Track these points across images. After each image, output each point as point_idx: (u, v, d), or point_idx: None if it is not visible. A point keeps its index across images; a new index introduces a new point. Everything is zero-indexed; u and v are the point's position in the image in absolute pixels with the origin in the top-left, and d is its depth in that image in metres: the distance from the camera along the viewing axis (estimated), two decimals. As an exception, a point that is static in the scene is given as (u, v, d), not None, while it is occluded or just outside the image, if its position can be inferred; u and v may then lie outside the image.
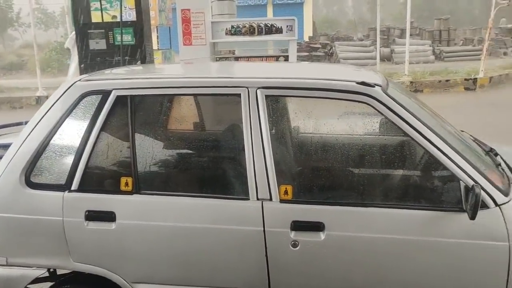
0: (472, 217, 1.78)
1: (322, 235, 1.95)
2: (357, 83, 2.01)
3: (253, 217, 1.99)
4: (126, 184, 2.08)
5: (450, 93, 10.34)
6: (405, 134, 1.97)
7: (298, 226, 1.96)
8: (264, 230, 1.98)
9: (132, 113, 2.13)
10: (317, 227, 1.95)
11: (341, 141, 2.27)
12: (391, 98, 1.99)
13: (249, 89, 2.06)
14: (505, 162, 2.28)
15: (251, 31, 6.14)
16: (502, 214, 1.87)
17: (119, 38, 5.68)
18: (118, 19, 5.48)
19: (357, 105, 2.03)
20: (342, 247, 1.96)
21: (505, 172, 2.16)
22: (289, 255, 1.98)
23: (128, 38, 5.87)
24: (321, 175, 2.18)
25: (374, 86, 2.00)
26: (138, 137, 2.16)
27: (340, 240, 1.96)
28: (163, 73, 2.88)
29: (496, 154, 2.37)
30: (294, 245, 1.97)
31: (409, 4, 10.81)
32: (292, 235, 1.97)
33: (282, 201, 1.99)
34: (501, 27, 21.60)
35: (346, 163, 2.24)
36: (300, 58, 17.39)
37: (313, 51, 17.75)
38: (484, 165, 2.07)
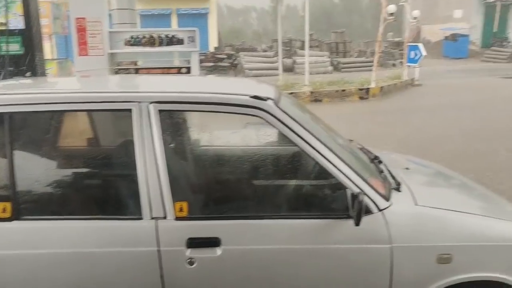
0: (357, 223, 1.89)
1: (218, 251, 1.95)
2: (250, 97, 2.05)
3: (147, 237, 1.93)
4: (4, 210, 1.90)
5: (346, 102, 11.03)
6: (296, 146, 2.05)
7: (194, 243, 1.94)
8: (159, 250, 1.93)
9: (10, 132, 1.96)
10: (213, 242, 1.94)
11: (237, 153, 2.30)
12: (282, 111, 2.05)
13: (140, 104, 2.00)
14: (387, 168, 2.46)
15: (151, 42, 6.01)
16: (384, 218, 2.02)
17: (4, 47, 5.24)
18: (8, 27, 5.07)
19: (252, 118, 2.07)
20: (239, 261, 1.97)
21: (387, 178, 2.33)
22: (186, 273, 1.95)
23: (15, 48, 5.44)
24: (217, 189, 2.18)
25: (266, 100, 2.05)
26: (18, 158, 1.99)
27: (236, 254, 1.96)
28: (50, 87, 2.69)
29: (380, 162, 2.55)
30: (191, 262, 1.94)
31: (307, 18, 11.35)
32: (188, 252, 1.94)
33: (177, 218, 1.96)
34: (390, 41, 23.59)
35: (242, 175, 2.26)
36: (206, 69, 17.46)
37: (219, 62, 17.92)
38: (368, 173, 2.21)
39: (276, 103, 2.09)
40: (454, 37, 23.94)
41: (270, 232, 1.99)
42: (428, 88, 13.09)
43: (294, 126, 2.03)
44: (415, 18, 13.55)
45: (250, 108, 2.03)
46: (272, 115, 2.03)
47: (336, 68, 19.40)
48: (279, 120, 2.03)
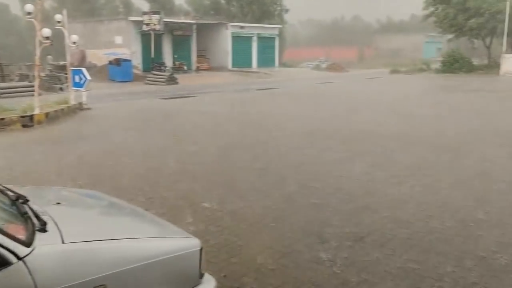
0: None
1: None
2: None
3: None
4: None
5: (7, 132, 9.82)
6: None
7: None
8: None
9: None
10: None
11: None
12: None
13: None
14: (31, 208, 2.24)
15: None
16: (26, 266, 1.81)
17: None
18: None
19: None
20: None
21: (30, 220, 2.11)
22: None
23: None
24: None
25: None
26: None
27: None
28: None
29: (25, 202, 2.31)
30: None
31: None
32: None
33: None
34: (55, 64, 22.63)
35: None
36: None
37: None
38: (3, 218, 1.96)
39: None
40: (118, 62, 25.06)
41: None
42: (96, 111, 13.19)
43: None
44: (74, 42, 13.38)
45: None
46: None
47: (-6, 94, 17.18)
48: None
